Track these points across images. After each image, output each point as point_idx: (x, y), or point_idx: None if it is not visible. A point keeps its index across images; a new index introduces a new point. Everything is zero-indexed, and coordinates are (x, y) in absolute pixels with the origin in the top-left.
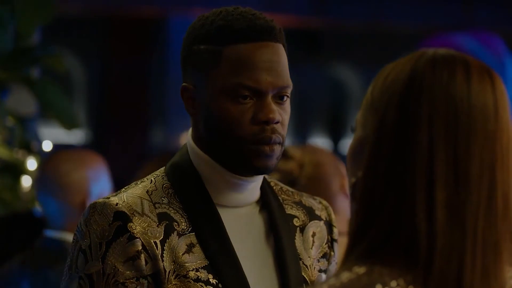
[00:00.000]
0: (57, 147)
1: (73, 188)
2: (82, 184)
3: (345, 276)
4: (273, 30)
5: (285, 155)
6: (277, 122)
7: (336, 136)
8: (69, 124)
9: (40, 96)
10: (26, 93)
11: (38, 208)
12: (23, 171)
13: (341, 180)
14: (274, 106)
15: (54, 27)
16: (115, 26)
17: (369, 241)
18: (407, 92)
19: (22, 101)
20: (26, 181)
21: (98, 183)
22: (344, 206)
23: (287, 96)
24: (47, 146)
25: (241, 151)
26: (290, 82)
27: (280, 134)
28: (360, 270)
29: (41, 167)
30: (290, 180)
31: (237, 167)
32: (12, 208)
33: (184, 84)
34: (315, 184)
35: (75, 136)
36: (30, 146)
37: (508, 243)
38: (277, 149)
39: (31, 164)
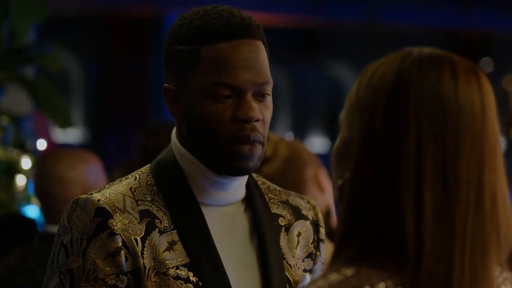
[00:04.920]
0: (54, 146)
1: (72, 183)
2: (81, 179)
3: (333, 277)
4: (250, 27)
5: None
6: (257, 120)
7: (334, 136)
8: (63, 123)
9: (35, 95)
10: (21, 92)
11: (32, 206)
12: (18, 170)
13: (315, 170)
14: (254, 104)
15: (50, 26)
16: (112, 25)
17: (357, 243)
18: (394, 93)
19: (17, 100)
20: (20, 180)
21: (95, 178)
22: (315, 196)
23: (268, 94)
24: (41, 145)
25: (222, 152)
26: (269, 78)
27: (260, 133)
28: (348, 271)
29: (39, 164)
30: (264, 158)
31: (218, 167)
32: (7, 207)
33: (165, 85)
34: (288, 167)
35: (73, 135)
36: (25, 145)
37: (495, 243)
38: (258, 149)
39: (26, 163)
